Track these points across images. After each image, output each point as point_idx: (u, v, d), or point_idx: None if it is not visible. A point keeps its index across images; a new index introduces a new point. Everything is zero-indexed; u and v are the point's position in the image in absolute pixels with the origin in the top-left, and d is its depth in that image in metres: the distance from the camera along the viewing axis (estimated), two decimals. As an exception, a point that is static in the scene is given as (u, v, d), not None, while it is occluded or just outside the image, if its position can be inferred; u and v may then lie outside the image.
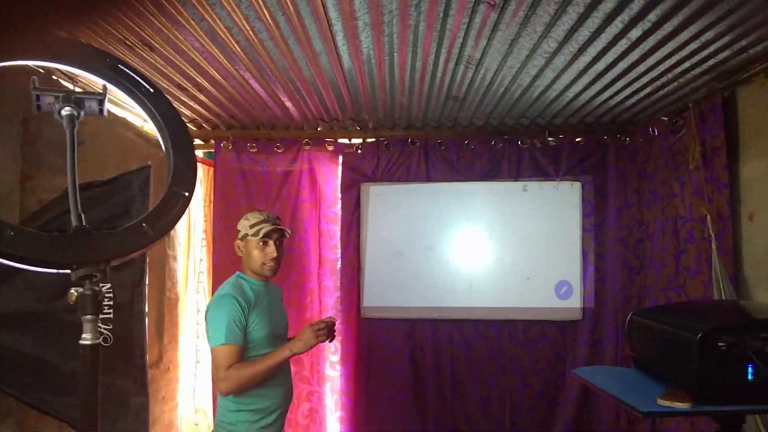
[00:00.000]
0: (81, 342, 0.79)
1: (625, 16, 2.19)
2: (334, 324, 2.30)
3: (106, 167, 3.18)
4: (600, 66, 2.70)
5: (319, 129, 3.95)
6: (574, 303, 3.85)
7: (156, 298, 3.71)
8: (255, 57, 2.61)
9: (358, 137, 3.98)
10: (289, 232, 2.47)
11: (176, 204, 0.85)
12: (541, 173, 3.91)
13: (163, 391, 3.86)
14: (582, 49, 2.50)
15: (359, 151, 3.96)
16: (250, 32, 2.33)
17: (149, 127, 3.72)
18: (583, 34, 2.35)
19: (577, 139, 3.88)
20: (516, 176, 3.91)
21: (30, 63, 0.87)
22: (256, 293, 2.36)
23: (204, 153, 4.24)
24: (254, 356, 2.27)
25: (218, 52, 2.54)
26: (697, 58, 2.56)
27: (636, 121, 3.67)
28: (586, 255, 3.88)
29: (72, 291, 0.78)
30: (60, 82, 2.76)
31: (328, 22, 2.24)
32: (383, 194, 3.97)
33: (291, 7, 2.11)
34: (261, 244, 2.36)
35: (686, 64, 2.64)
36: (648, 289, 3.64)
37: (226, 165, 4.01)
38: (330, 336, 2.26)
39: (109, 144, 3.25)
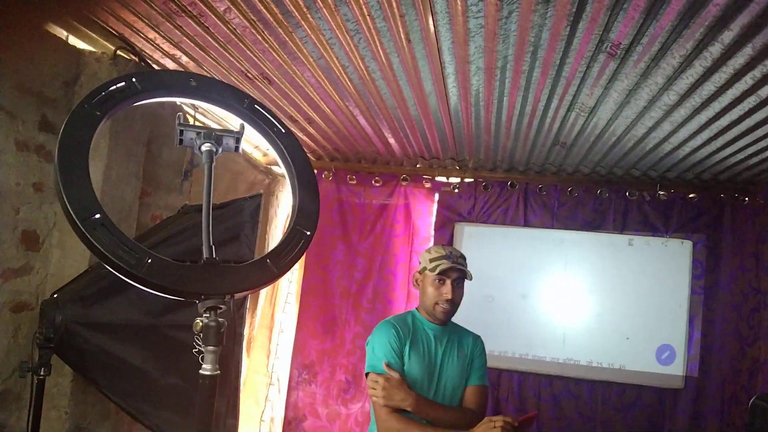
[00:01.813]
0: (201, 372, 0.81)
1: (756, 73, 2.05)
2: (513, 427, 1.86)
3: (216, 189, 3.34)
4: (723, 122, 2.53)
5: (418, 166, 3.97)
6: (676, 370, 3.57)
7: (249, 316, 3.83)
8: (365, 94, 2.67)
9: (457, 176, 3.95)
10: (471, 275, 2.18)
11: (299, 242, 0.86)
12: (649, 228, 3.70)
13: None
14: (705, 104, 2.36)
15: (456, 191, 3.93)
16: (364, 71, 2.39)
17: (257, 154, 3.91)
18: (708, 88, 2.22)
19: (691, 195, 3.65)
20: (621, 229, 3.72)
21: (176, 100, 0.93)
22: (420, 332, 2.18)
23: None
24: None
25: (331, 88, 2.63)
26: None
27: (758, 180, 3.41)
28: (693, 319, 3.60)
29: (198, 321, 0.81)
30: (188, 115, 2.95)
31: (441, 65, 2.26)
32: (478, 235, 3.90)
33: (407, 50, 2.14)
34: (437, 281, 2.15)
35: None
36: (762, 364, 3.31)
37: (325, 194, 4.10)
38: None
39: (220, 167, 3.41)
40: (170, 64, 2.52)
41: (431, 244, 4.02)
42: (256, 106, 0.94)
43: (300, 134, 3.47)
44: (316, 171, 4.11)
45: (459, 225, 3.91)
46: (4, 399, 2.07)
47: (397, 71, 2.37)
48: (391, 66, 2.32)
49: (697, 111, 2.44)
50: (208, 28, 2.13)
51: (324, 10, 1.91)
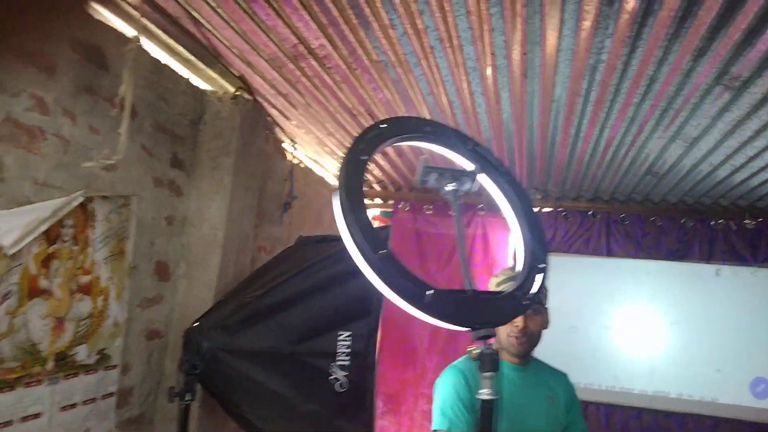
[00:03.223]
0: (479, 397, 0.85)
1: None
2: None
3: (306, 218, 3.45)
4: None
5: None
6: (772, 404, 3.47)
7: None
8: (464, 128, 2.74)
9: (536, 206, 3.97)
10: (544, 304, 1.86)
11: (536, 275, 0.91)
12: (737, 258, 3.64)
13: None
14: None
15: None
16: (470, 106, 2.47)
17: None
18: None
19: (779, 224, 3.59)
20: (707, 258, 3.67)
21: (414, 143, 1.00)
22: (498, 377, 1.89)
23: (381, 212, 4.45)
24: None
25: (432, 122, 2.70)
26: None
27: None
28: (788, 352, 3.51)
29: (473, 348, 0.85)
30: (285, 150, 3.08)
31: (551, 98, 2.31)
32: (559, 266, 3.88)
33: (519, 85, 2.21)
34: None
35: None
36: None
37: (403, 225, 4.17)
38: None
39: (311, 200, 3.53)
40: (281, 102, 2.64)
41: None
42: (477, 148, 1.00)
43: (385, 164, 3.56)
44: (392, 202, 4.25)
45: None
46: (140, 422, 2.16)
47: (503, 105, 2.43)
48: (498, 101, 2.38)
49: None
50: (329, 68, 2.24)
51: (448, 49, 2.00)
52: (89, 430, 1.89)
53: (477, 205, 4.02)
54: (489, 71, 2.13)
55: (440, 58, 2.08)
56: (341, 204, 0.85)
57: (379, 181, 3.99)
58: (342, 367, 1.84)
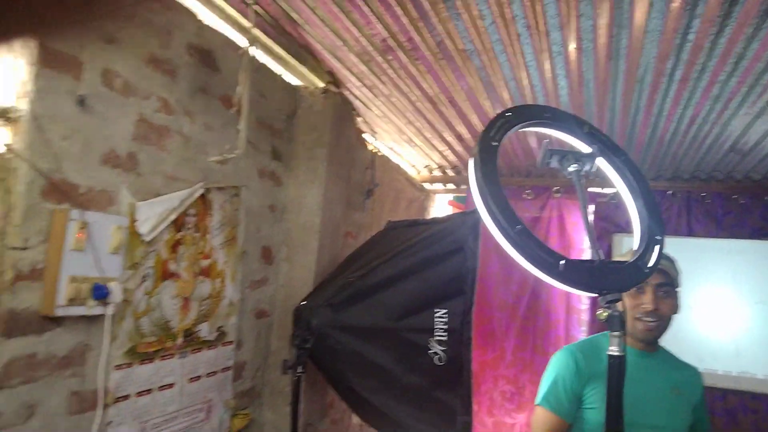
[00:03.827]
0: (608, 353, 0.95)
1: None
2: None
3: (384, 205, 3.58)
4: None
5: (572, 177, 4.02)
6: None
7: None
8: (546, 111, 2.79)
9: (613, 187, 3.96)
10: (677, 287, 1.78)
11: (654, 247, 0.99)
12: (825, 234, 3.53)
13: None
14: None
15: (613, 201, 3.94)
16: (552, 89, 2.52)
17: (413, 172, 4.12)
18: None
19: None
20: (794, 236, 3.58)
21: (536, 129, 1.10)
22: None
23: (455, 197, 4.54)
24: None
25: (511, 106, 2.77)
26: None
27: None
28: None
29: (601, 311, 0.94)
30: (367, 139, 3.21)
31: (635, 78, 2.34)
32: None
33: (603, 68, 2.25)
34: (634, 290, 1.74)
35: None
36: None
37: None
38: None
39: (386, 186, 3.65)
40: (365, 93, 2.77)
41: (586, 256, 4.05)
42: (592, 131, 1.09)
43: (460, 149, 3.64)
44: (465, 187, 4.32)
45: (617, 236, 3.91)
46: (251, 394, 2.36)
47: (585, 87, 2.47)
48: (581, 83, 2.43)
49: None
50: (416, 60, 2.35)
51: (535, 36, 2.06)
52: (211, 400, 2.09)
53: (552, 188, 4.04)
54: (574, 55, 2.18)
55: (526, 44, 2.14)
56: (479, 187, 0.96)
57: (454, 166, 4.07)
58: (440, 342, 1.96)
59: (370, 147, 3.35)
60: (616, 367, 0.91)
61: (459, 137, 3.37)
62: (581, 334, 3.96)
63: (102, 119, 1.53)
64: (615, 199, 3.93)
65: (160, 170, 1.78)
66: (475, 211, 2.44)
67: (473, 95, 2.70)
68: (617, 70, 2.28)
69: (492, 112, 2.86)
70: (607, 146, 1.07)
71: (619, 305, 0.93)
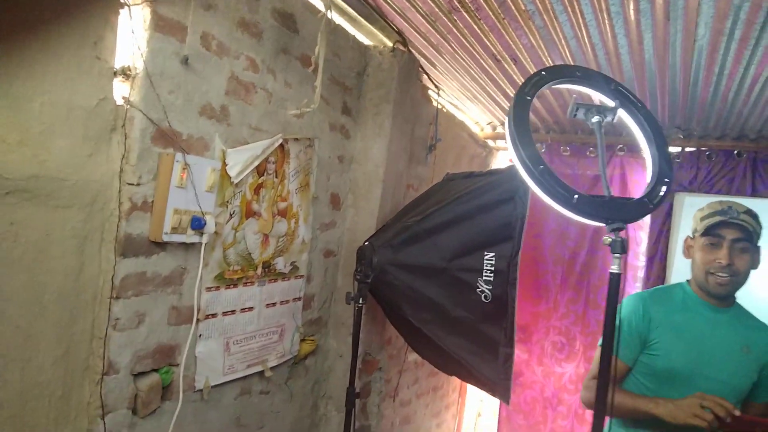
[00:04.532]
0: (610, 271, 1.13)
1: None
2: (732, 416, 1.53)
3: (446, 160, 3.76)
4: None
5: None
6: None
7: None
8: (606, 69, 2.86)
9: (678, 146, 3.96)
10: (756, 243, 1.76)
11: (662, 188, 1.15)
12: None
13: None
14: None
15: (677, 160, 3.94)
16: (612, 48, 2.59)
17: (476, 129, 4.25)
18: None
19: None
20: None
21: (568, 86, 1.26)
22: (689, 311, 1.81)
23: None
24: (642, 388, 1.78)
25: (571, 64, 2.86)
26: None
27: None
28: None
29: (606, 237, 1.12)
30: (430, 93, 3.38)
31: (693, 38, 2.38)
32: (700, 206, 3.88)
33: (662, 27, 2.31)
34: (708, 244, 1.76)
35: None
36: None
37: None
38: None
39: (450, 142, 3.81)
40: (431, 52, 2.92)
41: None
42: (619, 87, 1.24)
43: (524, 109, 3.74)
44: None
45: (679, 195, 3.93)
46: (318, 323, 2.66)
47: (645, 46, 2.53)
48: (641, 42, 2.49)
49: None
50: (479, 19, 2.48)
51: (593, -4, 2.15)
52: (283, 324, 2.39)
53: (617, 145, 4.08)
54: (632, 15, 2.25)
55: (585, 4, 2.23)
56: (511, 133, 1.14)
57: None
58: (487, 282, 2.16)
59: (434, 104, 3.52)
60: (615, 283, 1.08)
61: (540, 95, 3.46)
62: (635, 290, 4.05)
63: (200, 76, 1.79)
64: (679, 158, 3.93)
65: (247, 122, 2.03)
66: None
67: (535, 53, 2.80)
68: (676, 29, 2.33)
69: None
70: (629, 101, 1.22)
71: (622, 233, 1.10)
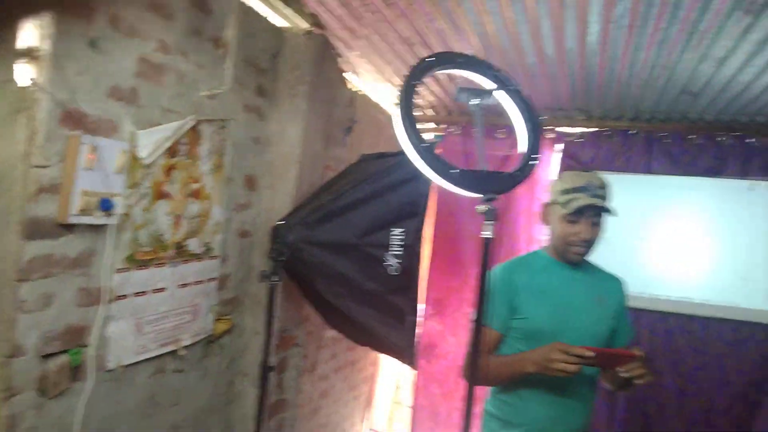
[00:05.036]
0: (482, 236, 1.25)
1: None
2: (593, 360, 1.64)
3: (364, 141, 3.85)
4: None
5: (543, 117, 4.27)
6: (791, 309, 3.73)
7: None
8: (511, 55, 3.02)
9: (581, 126, 4.22)
10: (612, 211, 1.89)
11: (532, 163, 1.28)
12: (771, 173, 3.82)
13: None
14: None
15: (580, 140, 4.20)
16: (515, 33, 2.74)
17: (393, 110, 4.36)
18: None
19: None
20: (743, 174, 3.86)
21: (453, 71, 1.37)
22: (546, 274, 1.95)
23: (435, 135, 4.79)
24: (516, 352, 1.88)
25: (480, 50, 3.00)
26: None
27: None
28: (815, 262, 3.73)
29: (479, 206, 1.24)
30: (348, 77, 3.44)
31: (586, 25, 2.57)
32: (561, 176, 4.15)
33: (557, 14, 2.48)
34: (568, 219, 1.87)
35: None
36: None
37: (453, 147, 4.50)
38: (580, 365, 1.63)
39: (368, 123, 3.90)
40: (346, 35, 2.99)
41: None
42: (497, 73, 1.36)
43: (437, 90, 3.88)
44: (444, 125, 4.58)
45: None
46: (234, 303, 2.70)
47: (544, 32, 2.70)
48: (539, 28, 2.65)
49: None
50: (390, 4, 2.56)
51: (492, -16, 2.28)
52: (198, 304, 2.41)
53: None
54: (531, 2, 2.40)
55: (485, -9, 2.36)
56: (399, 114, 1.24)
57: (433, 106, 4.32)
58: (395, 256, 2.29)
59: (351, 86, 3.59)
60: (487, 247, 1.21)
61: (435, 78, 3.60)
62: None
63: (109, 58, 1.78)
64: (582, 138, 4.19)
65: (158, 103, 2.04)
66: (432, 144, 2.72)
67: (445, 39, 2.92)
68: (570, 16, 2.50)
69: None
70: (506, 84, 1.35)
71: (494, 203, 1.23)
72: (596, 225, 1.89)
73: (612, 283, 2.06)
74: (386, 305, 2.31)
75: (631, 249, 4.06)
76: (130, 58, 1.88)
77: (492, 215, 1.21)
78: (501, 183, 1.25)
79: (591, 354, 1.60)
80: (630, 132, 4.08)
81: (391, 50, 3.16)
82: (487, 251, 1.24)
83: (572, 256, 1.91)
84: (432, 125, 4.67)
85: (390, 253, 2.31)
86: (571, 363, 1.60)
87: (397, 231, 2.32)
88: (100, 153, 1.77)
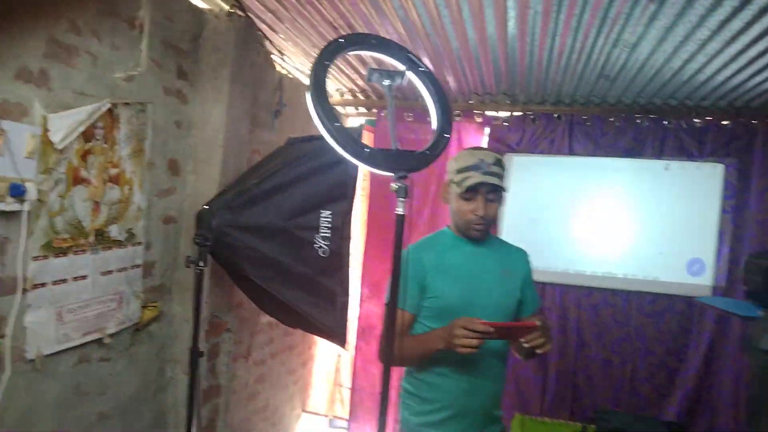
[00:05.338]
0: (396, 212, 1.29)
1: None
2: (495, 334, 1.67)
3: (295, 125, 3.83)
4: (752, 52, 2.87)
5: (471, 102, 4.37)
6: (705, 280, 4.00)
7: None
8: (434, 39, 3.08)
9: (507, 110, 4.34)
10: (505, 188, 1.91)
11: (443, 142, 1.33)
12: (685, 153, 4.05)
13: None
14: (735, 38, 2.70)
15: (506, 124, 4.33)
16: (437, 18, 2.79)
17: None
18: (736, 24, 2.56)
19: (724, 122, 3.98)
20: (659, 155, 4.08)
21: (365, 52, 1.39)
22: (452, 251, 1.98)
23: (367, 120, 4.82)
24: (427, 329, 1.91)
25: (405, 34, 3.04)
26: None
27: (789, 106, 3.73)
28: (723, 235, 4.00)
29: (392, 185, 1.28)
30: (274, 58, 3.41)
31: (504, 10, 2.65)
32: (526, 164, 4.32)
33: (476, 1, 2.54)
34: (464, 198, 1.89)
35: None
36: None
37: (385, 131, 4.55)
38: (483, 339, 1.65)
39: (299, 108, 3.88)
40: (270, 17, 2.96)
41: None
42: (409, 55, 1.39)
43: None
44: (376, 110, 4.62)
45: (508, 155, 4.33)
46: (161, 290, 2.65)
47: (465, 17, 2.76)
48: (460, 12, 2.71)
49: (727, 44, 2.78)
50: (310, -14, 2.56)
51: (411, -31, 2.32)
52: (122, 292, 2.37)
53: (453, 111, 4.38)
54: (448, -12, 2.46)
55: (405, -24, 2.40)
56: (311, 94, 1.26)
57: (362, 90, 4.33)
58: (324, 238, 2.31)
59: (279, 69, 3.56)
60: (400, 224, 1.26)
61: (364, 62, 3.61)
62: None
63: (15, 39, 1.71)
64: (507, 122, 4.32)
65: (70, 86, 1.97)
66: (359, 126, 2.75)
67: (369, 22, 2.94)
68: (489, 2, 2.57)
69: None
70: (418, 66, 1.39)
71: (406, 181, 1.27)
72: (492, 201, 1.90)
73: (517, 255, 2.10)
74: (317, 287, 2.34)
75: (557, 228, 4.24)
76: (39, 39, 1.81)
77: (403, 192, 1.24)
78: (413, 161, 1.29)
79: (491, 329, 1.62)
80: (553, 115, 4.23)
81: (316, 33, 3.15)
82: (401, 229, 1.27)
83: (472, 233, 1.93)
84: (363, 110, 4.69)
85: (319, 235, 2.33)
86: (473, 338, 1.62)
87: (325, 213, 2.34)
88: (9, 137, 1.71)
